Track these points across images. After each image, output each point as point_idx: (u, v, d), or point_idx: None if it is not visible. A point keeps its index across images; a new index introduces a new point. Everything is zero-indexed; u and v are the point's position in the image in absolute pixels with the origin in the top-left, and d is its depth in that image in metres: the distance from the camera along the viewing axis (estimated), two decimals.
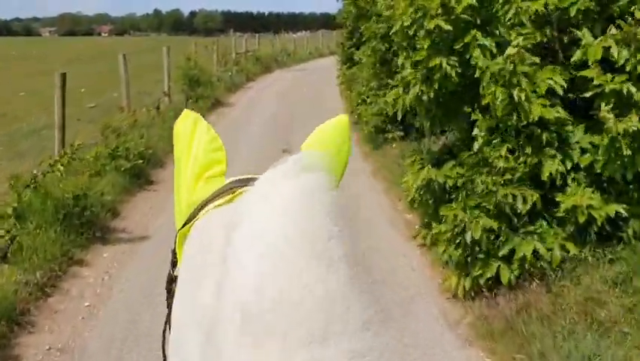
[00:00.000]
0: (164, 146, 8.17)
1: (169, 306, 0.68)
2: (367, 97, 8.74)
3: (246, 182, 0.64)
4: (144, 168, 7.06)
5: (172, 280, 0.70)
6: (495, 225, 3.67)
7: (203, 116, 0.74)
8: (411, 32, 4.23)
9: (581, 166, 3.66)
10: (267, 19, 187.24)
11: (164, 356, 0.69)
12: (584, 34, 3.57)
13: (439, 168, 4.31)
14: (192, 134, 0.71)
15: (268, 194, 0.54)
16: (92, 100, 13.72)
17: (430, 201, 4.46)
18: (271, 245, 0.50)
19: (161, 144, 8.21)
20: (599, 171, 3.54)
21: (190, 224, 0.65)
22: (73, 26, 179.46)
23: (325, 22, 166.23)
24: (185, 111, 0.74)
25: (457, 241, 3.85)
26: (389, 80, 6.77)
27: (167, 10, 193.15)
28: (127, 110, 9.87)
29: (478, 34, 3.91)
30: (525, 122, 3.62)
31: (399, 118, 5.02)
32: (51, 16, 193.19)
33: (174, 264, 0.70)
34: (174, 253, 0.69)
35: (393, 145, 7.64)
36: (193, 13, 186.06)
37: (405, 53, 4.56)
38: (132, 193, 6.41)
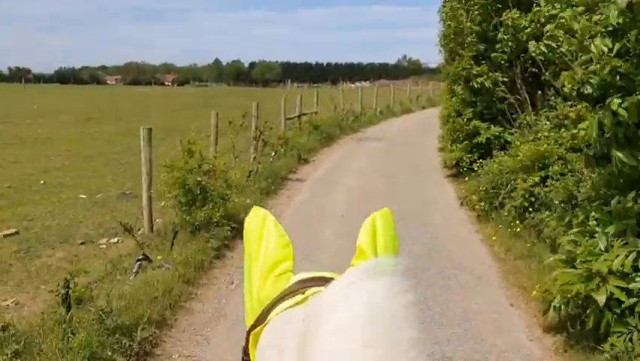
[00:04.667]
0: None
1: None
2: None
3: (314, 281, 0.67)
4: None
5: None
6: None
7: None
8: None
9: None
10: (325, 69, 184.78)
11: None
12: None
13: None
14: (261, 231, 0.75)
15: (346, 299, 0.52)
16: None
17: None
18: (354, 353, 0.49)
19: None
20: None
21: (262, 325, 0.67)
22: (138, 75, 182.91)
23: (384, 72, 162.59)
24: (255, 208, 0.79)
25: None
26: None
27: (228, 61, 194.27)
28: None
29: None
30: None
31: None
32: (118, 65, 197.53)
33: None
34: (246, 351, 0.70)
35: None
36: (252, 65, 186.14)
37: None
38: None
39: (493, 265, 6.32)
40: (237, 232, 7.08)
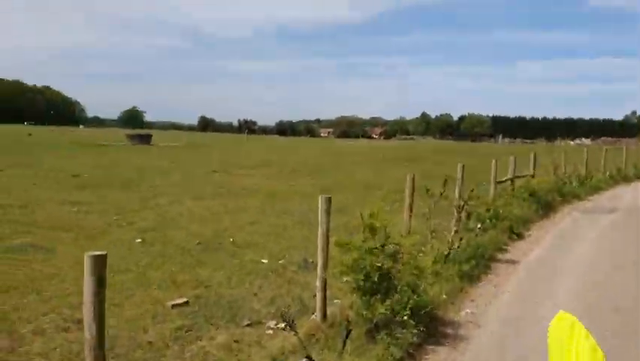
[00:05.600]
0: None
1: None
2: None
3: None
4: None
5: None
6: None
7: None
8: None
9: None
10: (539, 124, 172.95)
11: None
12: None
13: None
14: (569, 341, 0.67)
15: None
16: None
17: None
18: None
19: None
20: None
21: None
22: (348, 128, 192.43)
23: (608, 128, 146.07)
24: (561, 313, 0.69)
25: None
26: None
27: (437, 115, 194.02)
28: None
29: None
30: None
31: None
32: (330, 119, 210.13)
33: None
34: None
35: None
36: (462, 118, 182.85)
37: None
38: None
39: None
40: (428, 336, 5.58)
